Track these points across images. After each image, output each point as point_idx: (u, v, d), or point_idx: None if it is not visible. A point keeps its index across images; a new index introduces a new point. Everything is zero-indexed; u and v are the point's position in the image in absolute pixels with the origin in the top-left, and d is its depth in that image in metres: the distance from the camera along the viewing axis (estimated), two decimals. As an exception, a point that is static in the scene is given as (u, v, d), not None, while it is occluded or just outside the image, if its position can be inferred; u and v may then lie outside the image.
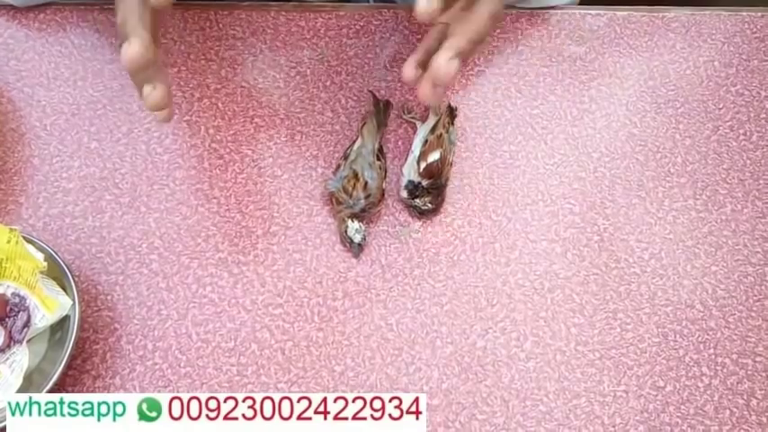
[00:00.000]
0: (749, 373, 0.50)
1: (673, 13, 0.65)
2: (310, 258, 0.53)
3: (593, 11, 0.65)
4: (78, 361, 0.49)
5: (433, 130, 0.56)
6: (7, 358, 0.45)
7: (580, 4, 0.68)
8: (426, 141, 0.56)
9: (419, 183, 0.54)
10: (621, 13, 0.65)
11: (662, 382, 0.50)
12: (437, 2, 0.40)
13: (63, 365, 0.45)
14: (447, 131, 0.56)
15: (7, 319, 0.46)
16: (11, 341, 0.46)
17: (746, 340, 0.52)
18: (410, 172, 0.55)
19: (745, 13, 0.66)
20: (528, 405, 0.49)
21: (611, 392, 0.49)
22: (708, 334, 0.52)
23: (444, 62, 0.43)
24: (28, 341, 0.46)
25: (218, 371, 0.49)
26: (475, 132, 0.59)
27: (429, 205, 0.54)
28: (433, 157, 0.55)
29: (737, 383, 0.50)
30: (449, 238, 0.54)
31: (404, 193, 0.55)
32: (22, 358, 0.46)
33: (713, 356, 0.51)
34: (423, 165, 0.54)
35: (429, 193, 0.54)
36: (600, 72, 0.62)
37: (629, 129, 0.60)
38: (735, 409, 0.49)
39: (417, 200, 0.54)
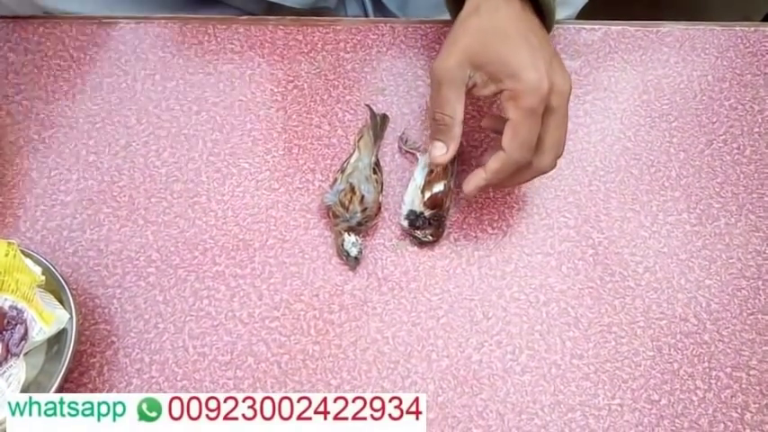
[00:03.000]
0: (743, 386, 0.51)
1: (667, 27, 0.66)
2: (307, 271, 0.53)
3: (587, 26, 0.66)
4: (75, 374, 0.49)
5: None
6: (4, 371, 0.46)
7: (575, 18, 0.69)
8: (432, 171, 0.54)
9: (421, 213, 0.53)
10: (616, 27, 0.66)
11: (656, 395, 0.50)
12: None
13: (60, 379, 0.45)
14: (453, 163, 0.55)
15: (4, 333, 0.46)
16: (8, 354, 0.46)
17: (740, 354, 0.52)
18: (413, 201, 0.54)
19: (738, 28, 0.66)
20: (523, 419, 0.49)
21: (605, 406, 0.50)
22: (702, 347, 0.52)
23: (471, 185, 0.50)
24: (25, 354, 0.47)
25: (214, 384, 0.49)
26: (471, 146, 0.59)
27: (429, 237, 0.53)
28: (438, 187, 0.54)
29: (731, 397, 0.50)
30: (445, 251, 0.55)
31: (404, 223, 0.54)
32: (18, 371, 0.46)
33: (707, 370, 0.51)
34: (427, 194, 0.53)
35: (430, 224, 0.53)
36: (594, 86, 0.63)
37: (623, 142, 0.60)
38: (729, 423, 0.49)
39: (418, 231, 0.53)
